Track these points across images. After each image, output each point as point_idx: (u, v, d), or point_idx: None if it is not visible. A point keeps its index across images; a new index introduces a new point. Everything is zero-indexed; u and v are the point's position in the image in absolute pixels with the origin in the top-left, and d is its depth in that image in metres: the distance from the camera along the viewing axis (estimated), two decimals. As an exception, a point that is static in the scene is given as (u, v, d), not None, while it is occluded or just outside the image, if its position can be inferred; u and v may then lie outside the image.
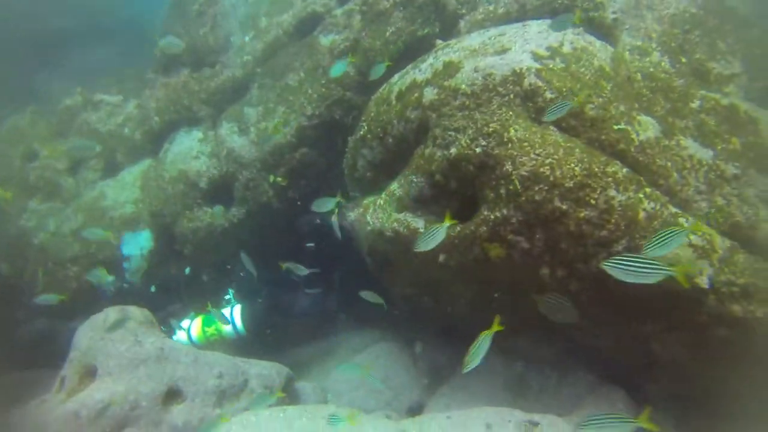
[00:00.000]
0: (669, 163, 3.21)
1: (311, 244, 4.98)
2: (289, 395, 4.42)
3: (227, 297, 5.26)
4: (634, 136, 3.18)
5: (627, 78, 3.55)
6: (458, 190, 3.38)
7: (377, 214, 3.90)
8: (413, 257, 3.71)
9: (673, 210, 3.03)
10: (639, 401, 3.51)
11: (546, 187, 2.92)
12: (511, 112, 3.14)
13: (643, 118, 3.33)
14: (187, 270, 5.53)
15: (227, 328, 4.78)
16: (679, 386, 3.51)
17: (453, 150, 3.22)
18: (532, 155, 2.98)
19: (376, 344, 5.34)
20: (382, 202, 3.88)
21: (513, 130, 3.06)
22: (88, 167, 6.98)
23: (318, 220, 4.96)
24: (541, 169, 2.94)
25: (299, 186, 5.67)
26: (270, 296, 5.04)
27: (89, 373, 3.68)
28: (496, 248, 3.16)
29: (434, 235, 3.00)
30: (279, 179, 5.57)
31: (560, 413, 3.35)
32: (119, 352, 3.65)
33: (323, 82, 5.39)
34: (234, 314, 4.84)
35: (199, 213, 6.02)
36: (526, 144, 3.02)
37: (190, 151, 6.13)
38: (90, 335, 3.93)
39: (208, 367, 3.89)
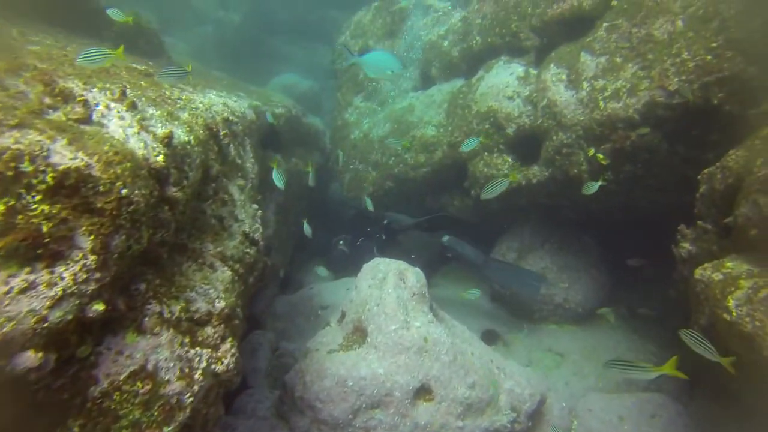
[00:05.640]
0: None
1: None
2: (534, 418, 4.05)
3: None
4: None
5: None
6: None
7: (752, 309, 2.65)
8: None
9: None
10: None
11: None
12: None
13: None
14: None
15: None
16: None
17: None
18: None
19: (650, 392, 4.36)
20: (763, 296, 2.61)
21: None
22: (405, 76, 7.01)
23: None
24: None
25: (620, 170, 4.48)
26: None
27: (361, 331, 3.95)
28: None
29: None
30: (600, 156, 4.48)
31: None
32: (388, 331, 3.75)
33: (714, 44, 3.73)
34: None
35: (498, 160, 5.51)
36: None
37: (505, 88, 5.40)
38: (369, 284, 4.13)
39: (463, 371, 3.73)
